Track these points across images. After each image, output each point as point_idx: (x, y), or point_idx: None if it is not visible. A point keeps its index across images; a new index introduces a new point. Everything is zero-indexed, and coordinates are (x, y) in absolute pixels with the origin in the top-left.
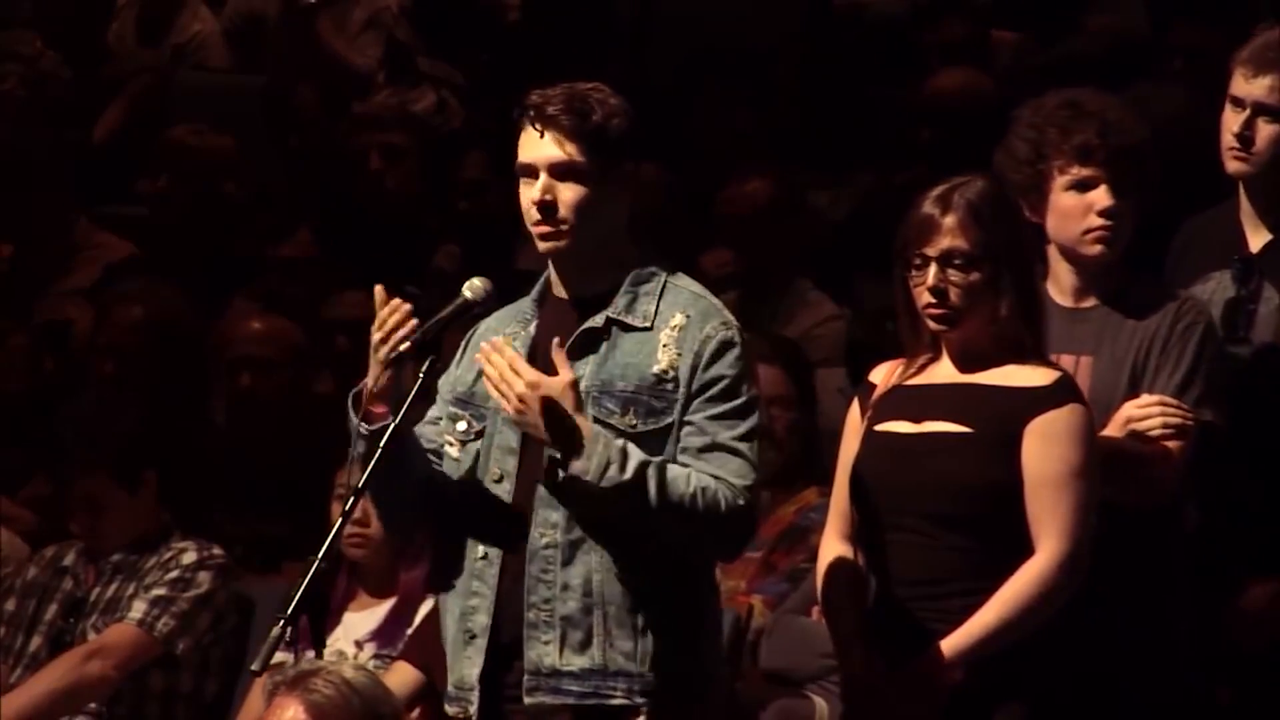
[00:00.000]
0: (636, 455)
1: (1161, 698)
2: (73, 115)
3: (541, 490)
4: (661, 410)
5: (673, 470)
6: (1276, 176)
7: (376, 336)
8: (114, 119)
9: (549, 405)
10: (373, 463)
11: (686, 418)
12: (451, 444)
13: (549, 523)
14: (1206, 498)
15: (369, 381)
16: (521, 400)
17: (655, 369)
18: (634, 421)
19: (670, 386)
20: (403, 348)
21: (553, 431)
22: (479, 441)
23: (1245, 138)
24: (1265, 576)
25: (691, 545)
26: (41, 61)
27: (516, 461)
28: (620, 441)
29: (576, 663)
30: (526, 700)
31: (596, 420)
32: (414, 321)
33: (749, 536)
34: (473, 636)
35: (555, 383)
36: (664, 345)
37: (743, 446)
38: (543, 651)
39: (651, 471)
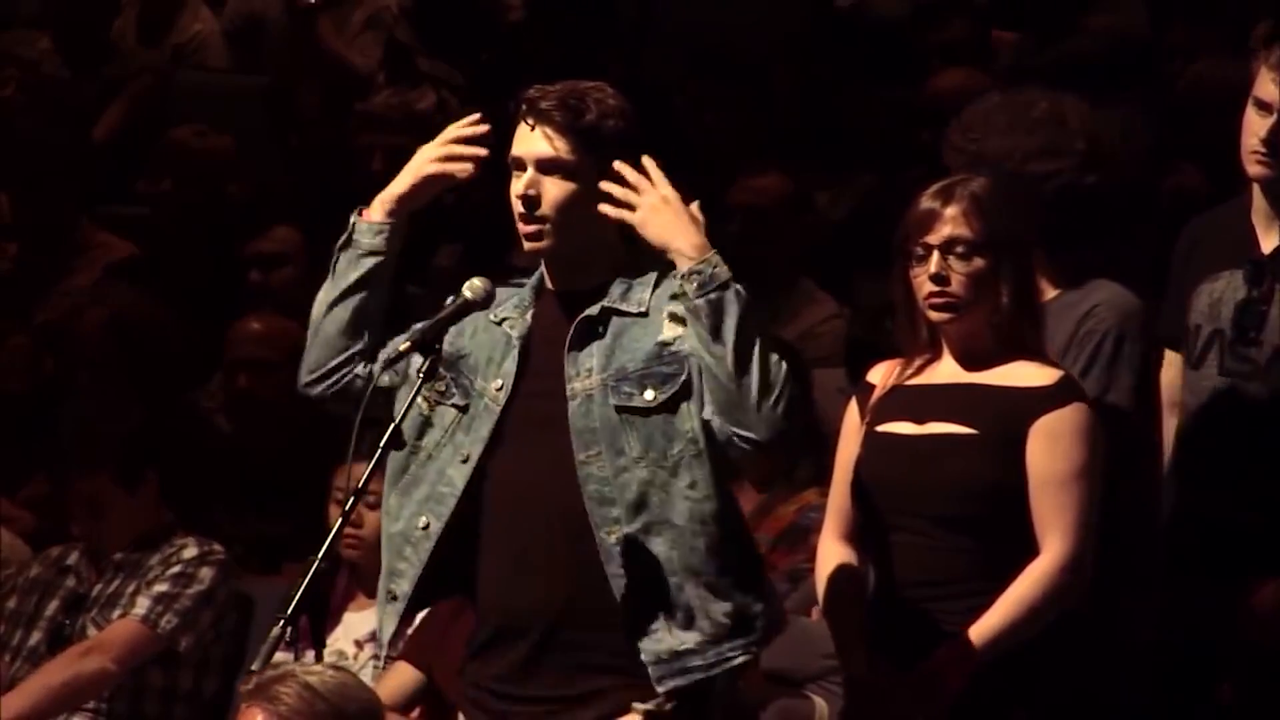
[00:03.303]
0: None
1: (1153, 700)
2: (73, 116)
3: (589, 490)
4: (674, 373)
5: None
6: None
7: (439, 149)
8: (115, 119)
9: (682, 212)
10: (374, 461)
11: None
12: (426, 397)
13: (610, 519)
14: (1208, 494)
15: (393, 187)
16: (663, 200)
17: (659, 339)
18: (653, 394)
19: (674, 347)
20: (402, 348)
21: (678, 233)
22: (453, 413)
23: (1273, 143)
24: (1276, 576)
25: (766, 404)
26: (42, 65)
27: (482, 450)
28: (688, 370)
29: (690, 640)
30: (659, 689)
31: (619, 409)
32: (480, 150)
33: (792, 444)
34: (394, 598)
35: (688, 206)
36: (667, 320)
37: None
38: (657, 639)
39: (757, 313)
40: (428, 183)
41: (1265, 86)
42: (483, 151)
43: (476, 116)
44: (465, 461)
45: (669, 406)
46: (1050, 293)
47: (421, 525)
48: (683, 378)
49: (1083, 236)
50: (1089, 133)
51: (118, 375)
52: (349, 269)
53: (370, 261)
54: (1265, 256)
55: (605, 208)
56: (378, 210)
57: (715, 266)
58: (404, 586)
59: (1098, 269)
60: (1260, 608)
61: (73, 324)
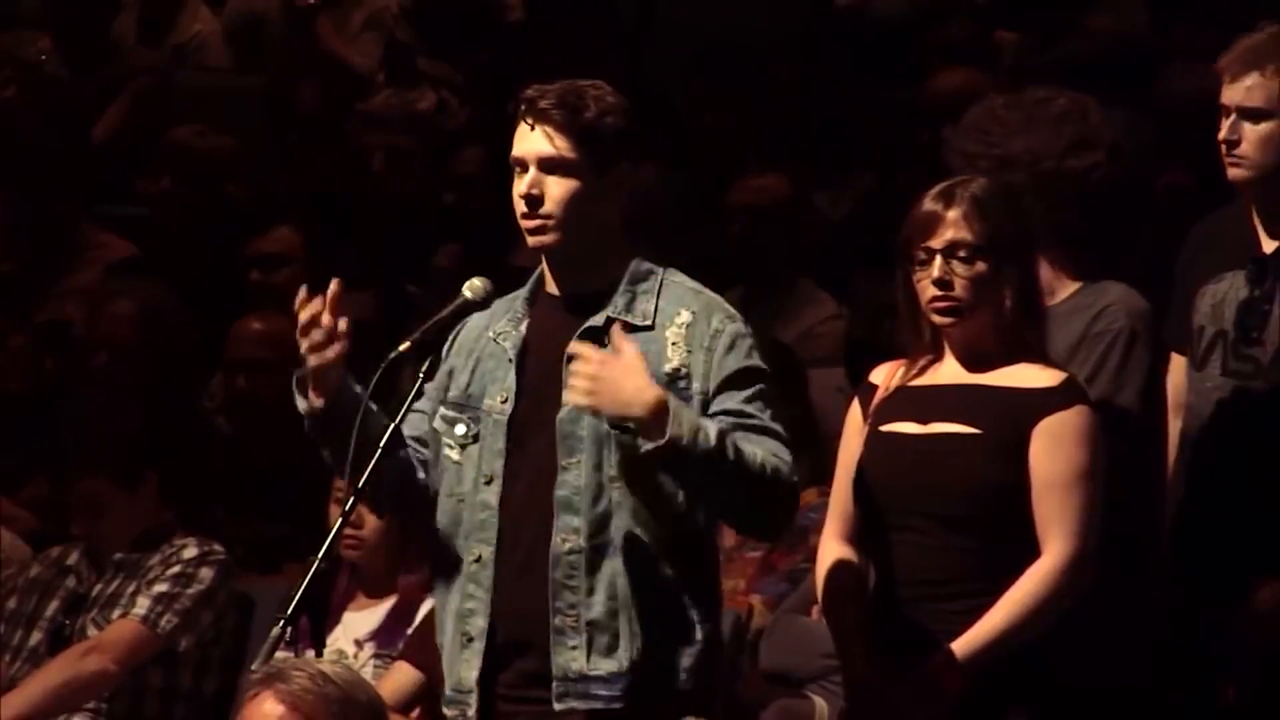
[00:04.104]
0: (713, 424)
1: (1155, 698)
2: (73, 116)
3: (559, 495)
4: None
5: (744, 441)
6: (1274, 181)
7: (303, 344)
8: (115, 119)
9: (622, 379)
10: (373, 463)
11: (714, 409)
12: (451, 447)
13: (570, 528)
14: (1210, 494)
15: (310, 376)
16: (593, 380)
17: (667, 368)
18: None
19: (683, 384)
20: (402, 348)
21: (629, 405)
22: (476, 444)
23: (1232, 142)
24: (1276, 576)
25: (750, 517)
26: (43, 65)
27: (503, 464)
28: (695, 408)
29: (604, 667)
30: (557, 706)
31: (610, 422)
32: (344, 326)
33: (794, 514)
34: (470, 639)
35: (624, 357)
36: (673, 344)
37: (777, 426)
38: (570, 657)
39: (729, 441)
40: (321, 370)
41: (1223, 90)
42: (336, 342)
43: (302, 293)
44: (490, 483)
45: None
46: (1070, 288)
47: (474, 559)
48: None
49: (1115, 227)
50: (1108, 126)
51: (137, 369)
52: (340, 450)
53: (349, 438)
54: (1267, 256)
55: (572, 398)
56: (316, 400)
57: (677, 440)
58: (479, 623)
59: (1111, 266)
60: (1261, 608)
61: (100, 314)
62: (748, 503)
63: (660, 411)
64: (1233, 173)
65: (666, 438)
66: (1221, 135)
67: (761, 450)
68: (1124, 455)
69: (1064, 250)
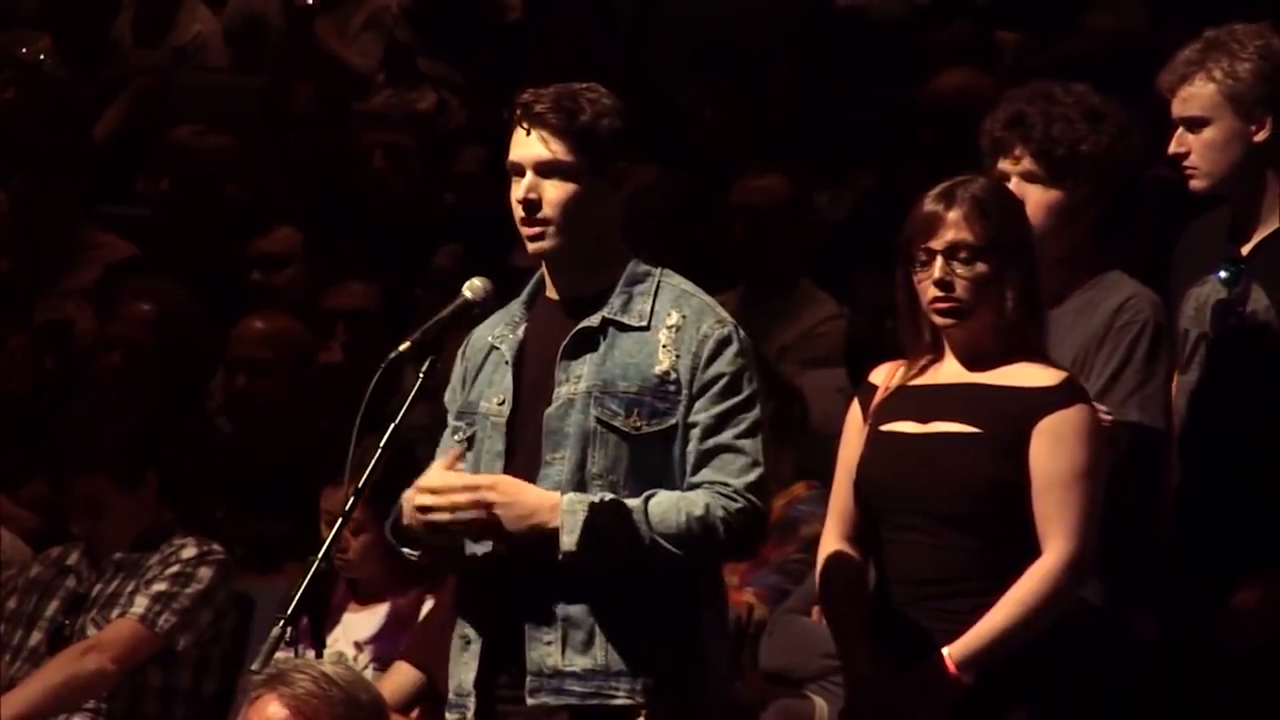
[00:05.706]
0: (622, 506)
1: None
2: (73, 116)
3: (546, 489)
4: (665, 411)
5: (659, 505)
6: (1232, 184)
7: (437, 507)
8: (114, 119)
9: (514, 496)
10: (372, 464)
11: (690, 419)
12: (457, 454)
13: None
14: (1196, 496)
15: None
16: (491, 506)
17: (657, 370)
18: (639, 424)
19: (673, 388)
20: (402, 348)
21: (529, 518)
22: (473, 449)
23: (1180, 155)
24: (1257, 575)
25: (700, 563)
26: (42, 65)
27: (503, 465)
28: (597, 497)
29: (579, 663)
30: (529, 701)
31: (599, 421)
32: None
33: (760, 533)
34: (468, 642)
35: (499, 477)
36: (663, 346)
37: (745, 443)
38: (545, 652)
39: (639, 518)
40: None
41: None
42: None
43: (453, 479)
44: None
45: (648, 442)
46: (1080, 282)
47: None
48: (673, 420)
49: (1131, 216)
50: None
51: (150, 370)
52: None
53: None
54: (1241, 257)
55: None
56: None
57: (578, 525)
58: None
59: (1119, 257)
60: (1240, 608)
61: (116, 314)
62: (680, 559)
63: (552, 507)
64: (1191, 184)
65: (560, 512)
66: (1170, 150)
67: (689, 502)
68: (1142, 453)
69: (1085, 243)
